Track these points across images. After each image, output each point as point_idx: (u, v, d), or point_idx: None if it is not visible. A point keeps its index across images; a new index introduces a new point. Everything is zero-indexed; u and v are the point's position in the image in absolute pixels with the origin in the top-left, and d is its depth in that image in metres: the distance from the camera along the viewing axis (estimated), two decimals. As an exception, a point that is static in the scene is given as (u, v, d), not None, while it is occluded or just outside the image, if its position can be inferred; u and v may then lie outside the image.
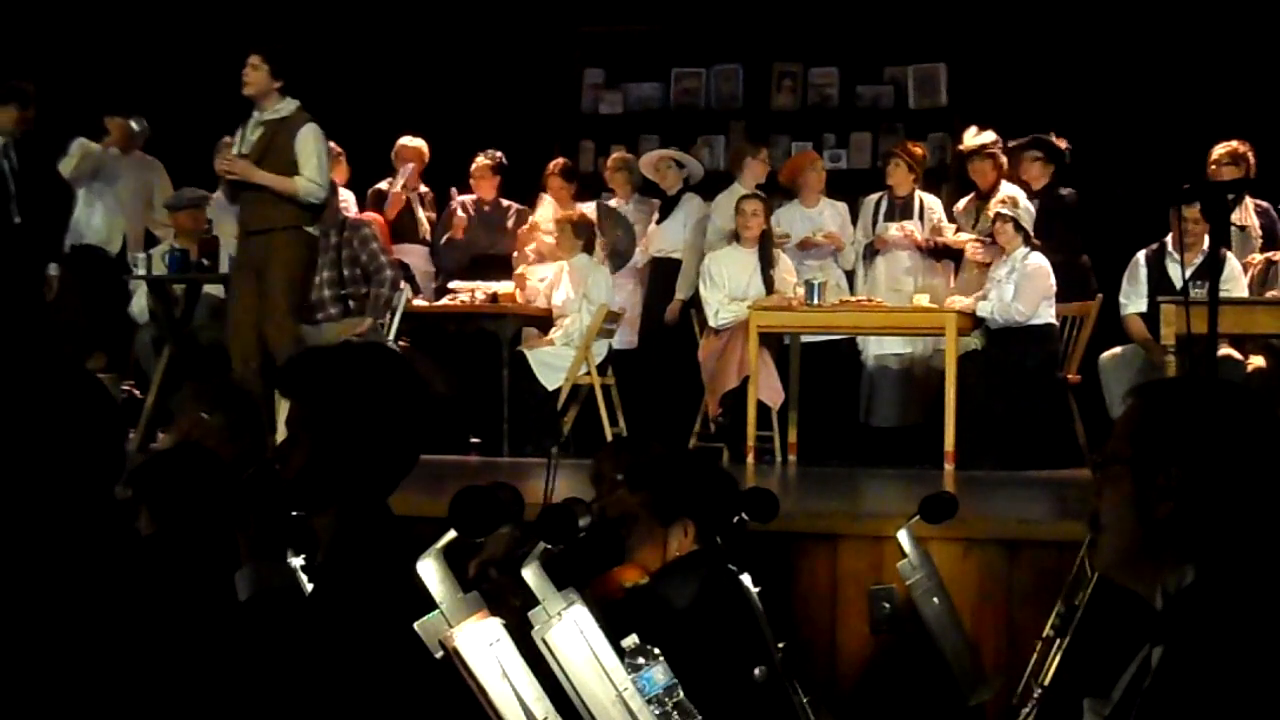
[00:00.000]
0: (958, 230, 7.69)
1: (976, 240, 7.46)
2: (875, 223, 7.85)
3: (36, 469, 1.86)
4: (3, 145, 7.01)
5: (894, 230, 7.72)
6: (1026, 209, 7.16)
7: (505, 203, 8.42)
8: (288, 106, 6.35)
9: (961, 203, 7.85)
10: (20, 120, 7.08)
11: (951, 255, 7.76)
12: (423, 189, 8.45)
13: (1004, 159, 7.62)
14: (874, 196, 7.96)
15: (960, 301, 7.09)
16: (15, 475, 1.85)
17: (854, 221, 8.01)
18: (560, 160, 8.45)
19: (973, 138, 7.69)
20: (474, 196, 8.40)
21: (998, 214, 7.12)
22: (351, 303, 7.25)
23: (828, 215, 7.94)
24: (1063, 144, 7.49)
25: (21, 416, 1.87)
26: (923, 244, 7.74)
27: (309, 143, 6.31)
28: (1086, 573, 3.20)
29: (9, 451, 1.85)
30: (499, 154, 8.34)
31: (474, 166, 8.35)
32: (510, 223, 8.38)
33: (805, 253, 7.85)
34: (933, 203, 7.90)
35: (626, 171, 8.37)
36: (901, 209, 7.82)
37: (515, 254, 8.28)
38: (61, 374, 1.95)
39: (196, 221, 7.46)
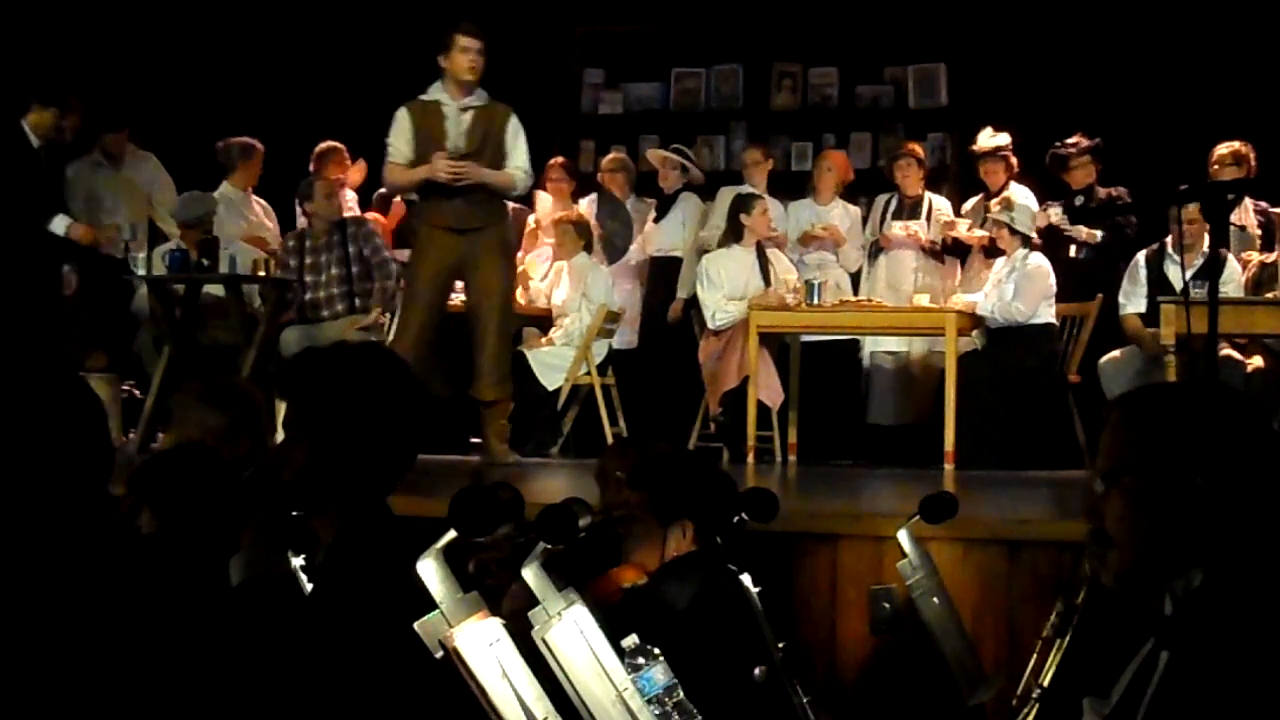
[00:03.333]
0: (971, 227, 7.68)
1: (988, 239, 7.44)
2: (883, 223, 7.86)
3: (24, 468, 1.86)
4: (39, 146, 7.02)
5: (898, 229, 7.72)
6: (1024, 207, 7.15)
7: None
8: (483, 93, 6.22)
9: (970, 203, 7.86)
10: (55, 127, 7.07)
11: (959, 253, 7.75)
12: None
13: (1015, 161, 7.63)
14: (883, 197, 7.97)
15: (963, 300, 7.10)
16: (5, 475, 1.85)
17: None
18: (560, 158, 8.44)
19: (988, 139, 7.68)
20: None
21: (993, 219, 7.15)
22: (357, 299, 7.26)
23: (836, 215, 7.95)
24: (1098, 141, 7.50)
25: (6, 415, 1.87)
26: (926, 244, 7.74)
27: (520, 132, 6.25)
28: (1085, 573, 3.20)
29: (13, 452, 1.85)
30: None
31: None
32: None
33: (805, 249, 7.86)
34: (941, 204, 7.90)
35: (624, 172, 8.38)
36: (910, 209, 7.82)
37: (518, 254, 8.28)
38: (41, 372, 1.95)
39: (205, 232, 7.42)
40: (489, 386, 6.28)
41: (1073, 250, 7.32)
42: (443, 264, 6.21)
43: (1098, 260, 7.33)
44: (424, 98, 6.17)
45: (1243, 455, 1.75)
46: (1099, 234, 7.31)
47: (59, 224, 7.03)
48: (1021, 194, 7.42)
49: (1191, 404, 1.81)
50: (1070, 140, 7.47)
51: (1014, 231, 7.04)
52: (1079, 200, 7.42)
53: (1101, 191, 7.42)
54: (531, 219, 8.30)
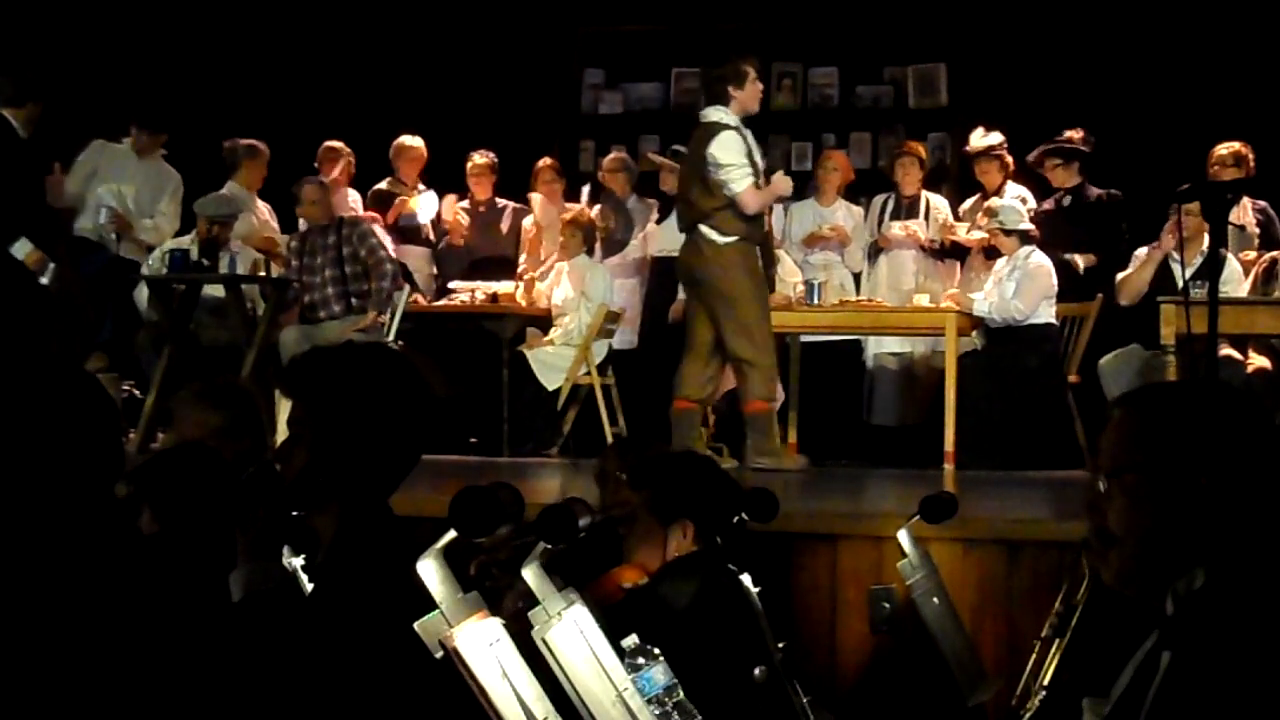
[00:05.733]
0: (970, 229, 7.69)
1: (988, 240, 7.44)
2: (881, 222, 7.86)
3: (34, 468, 1.86)
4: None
5: (896, 229, 7.73)
6: (1008, 207, 7.14)
7: (501, 202, 8.42)
8: None
9: (968, 203, 7.87)
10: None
11: (959, 254, 7.76)
12: (422, 188, 8.45)
13: (1010, 160, 7.63)
14: (881, 197, 7.97)
15: (956, 294, 7.10)
16: (13, 475, 1.85)
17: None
18: (547, 160, 8.41)
19: (980, 139, 7.69)
20: (467, 203, 8.40)
21: (985, 230, 7.17)
22: (354, 300, 7.26)
23: (840, 215, 7.95)
24: (1077, 135, 7.47)
25: (19, 415, 1.87)
26: (926, 243, 7.75)
27: None
28: (1084, 572, 3.20)
29: (7, 451, 1.85)
30: (492, 154, 8.36)
31: (470, 166, 8.36)
32: (507, 223, 8.39)
33: (810, 249, 7.86)
34: (939, 202, 7.91)
35: (625, 172, 8.38)
36: (908, 208, 7.82)
37: (523, 257, 8.26)
38: (57, 373, 1.96)
39: (222, 233, 7.40)
40: (704, 388, 6.49)
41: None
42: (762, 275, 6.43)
43: (1097, 260, 7.34)
44: (731, 123, 6.22)
45: (1247, 457, 1.74)
46: (1094, 259, 7.31)
47: (20, 248, 6.91)
48: (1008, 193, 7.42)
49: (1198, 404, 1.81)
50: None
51: (1008, 232, 7.05)
52: (1066, 200, 7.41)
53: (1093, 192, 7.42)
54: (528, 220, 8.30)
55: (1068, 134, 7.48)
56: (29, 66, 7.11)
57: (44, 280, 6.90)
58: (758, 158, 6.29)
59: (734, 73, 6.23)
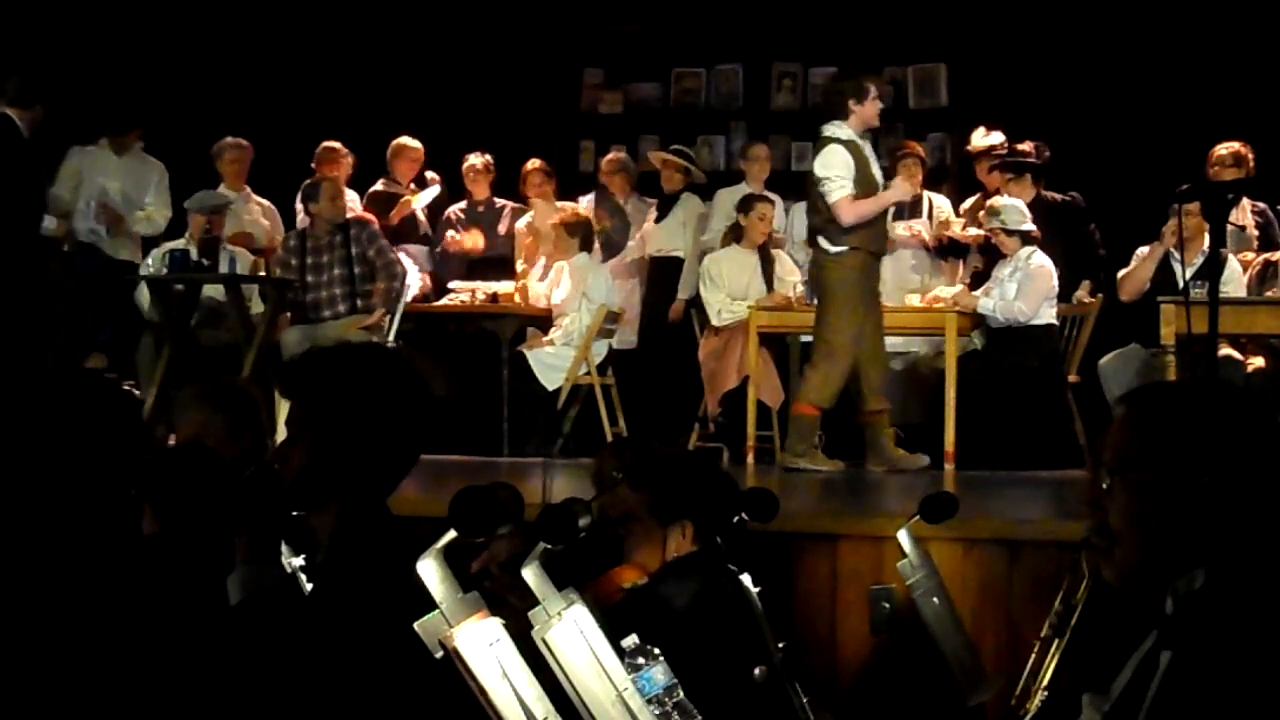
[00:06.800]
0: (965, 227, 7.69)
1: (984, 237, 7.44)
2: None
3: (52, 469, 1.86)
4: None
5: (901, 229, 7.72)
6: (1010, 206, 7.14)
7: (500, 202, 8.42)
8: None
9: (968, 203, 7.86)
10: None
11: (960, 253, 7.76)
12: (413, 187, 8.45)
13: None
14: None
15: (949, 292, 7.10)
16: (31, 477, 1.85)
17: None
18: (536, 162, 8.40)
19: (981, 139, 7.69)
20: (464, 204, 8.40)
21: (988, 230, 7.18)
22: (358, 300, 7.27)
23: None
24: (1027, 146, 7.46)
25: (42, 421, 1.87)
26: (930, 243, 7.75)
27: None
28: (1084, 572, 3.20)
29: (27, 454, 1.85)
30: (488, 155, 8.35)
31: (466, 167, 8.35)
32: (505, 224, 8.38)
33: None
34: (941, 202, 7.91)
35: (624, 172, 8.38)
36: (910, 209, 7.82)
37: (520, 260, 8.25)
38: (81, 379, 1.96)
39: (214, 227, 7.40)
40: (880, 398, 6.55)
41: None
42: (877, 284, 6.55)
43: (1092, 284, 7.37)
44: (842, 136, 6.30)
45: (1251, 457, 1.74)
46: (1090, 284, 7.33)
47: (49, 223, 6.99)
48: (999, 199, 7.44)
49: (1203, 403, 1.81)
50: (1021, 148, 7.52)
51: (1010, 232, 7.05)
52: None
53: (1050, 198, 7.40)
54: (522, 223, 8.29)
55: (1019, 146, 7.48)
56: (37, 69, 7.14)
57: (65, 248, 7.02)
58: (875, 169, 6.37)
59: (856, 88, 6.31)
